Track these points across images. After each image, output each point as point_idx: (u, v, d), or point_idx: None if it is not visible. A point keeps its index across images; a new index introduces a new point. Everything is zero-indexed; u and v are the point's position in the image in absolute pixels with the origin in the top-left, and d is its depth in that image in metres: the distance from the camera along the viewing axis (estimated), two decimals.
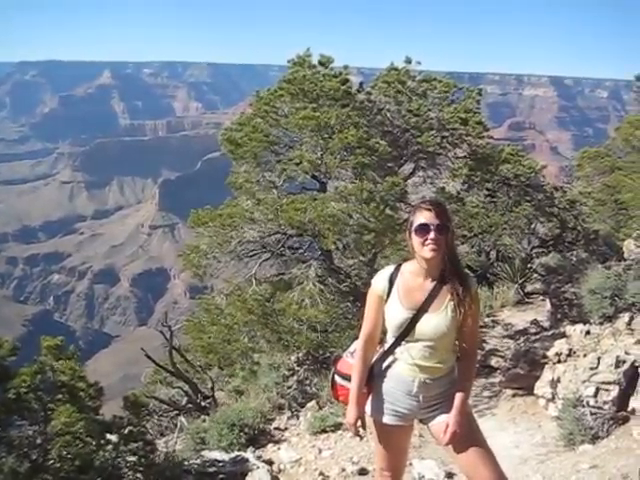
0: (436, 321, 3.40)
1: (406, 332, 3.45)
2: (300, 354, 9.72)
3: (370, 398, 3.64)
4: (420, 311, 3.42)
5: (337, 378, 3.83)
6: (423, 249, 3.35)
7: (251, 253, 9.47)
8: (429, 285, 3.45)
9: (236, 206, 9.29)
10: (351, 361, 3.73)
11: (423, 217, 3.36)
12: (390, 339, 3.55)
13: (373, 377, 3.63)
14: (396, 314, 3.46)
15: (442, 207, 3.46)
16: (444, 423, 3.47)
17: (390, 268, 3.60)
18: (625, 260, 11.10)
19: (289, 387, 9.38)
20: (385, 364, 3.58)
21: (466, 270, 3.65)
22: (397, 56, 10.14)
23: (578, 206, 14.61)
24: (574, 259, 14.42)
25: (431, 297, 3.43)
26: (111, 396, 10.79)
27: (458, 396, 3.47)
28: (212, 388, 11.12)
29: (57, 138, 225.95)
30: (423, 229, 3.34)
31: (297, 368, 9.72)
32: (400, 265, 3.58)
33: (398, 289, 3.48)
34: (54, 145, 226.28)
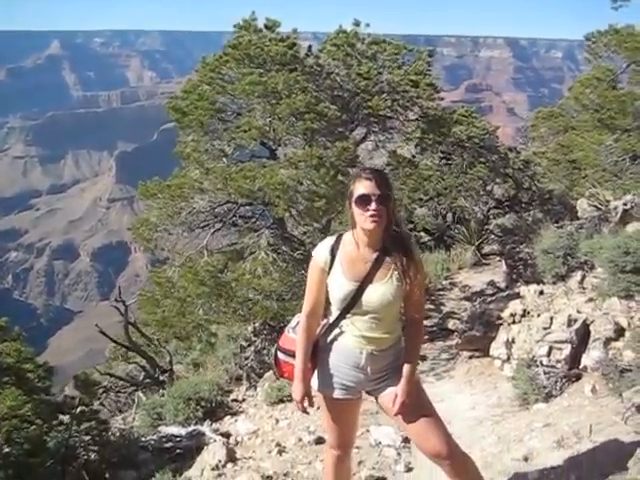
0: (381, 291, 3.30)
1: (351, 304, 3.34)
2: (257, 324, 9.64)
3: (316, 372, 3.55)
4: (364, 282, 3.31)
5: (280, 354, 3.72)
6: (365, 221, 3.23)
7: (202, 224, 9.27)
8: (372, 255, 3.34)
9: (185, 176, 9.06)
10: (293, 336, 3.64)
11: (363, 187, 3.23)
12: (335, 312, 3.45)
13: (318, 351, 3.53)
14: (340, 286, 3.34)
15: (383, 175, 3.34)
16: (393, 393, 3.40)
17: (331, 239, 3.47)
18: (579, 219, 11.20)
19: (246, 358, 9.31)
20: (330, 337, 3.48)
21: (409, 236, 3.55)
22: (357, 18, 9.96)
23: (532, 166, 14.73)
24: (530, 219, 14.53)
25: (375, 267, 3.32)
26: (77, 372, 10.68)
27: (406, 366, 3.40)
28: (170, 362, 11.04)
29: (7, 112, 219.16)
30: (364, 200, 3.21)
31: (254, 338, 9.64)
32: (341, 235, 3.46)
33: (341, 260, 3.37)
34: (4, 119, 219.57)
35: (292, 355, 3.57)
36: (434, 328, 9.66)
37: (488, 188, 14.74)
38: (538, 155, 16.03)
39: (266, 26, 9.15)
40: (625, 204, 9.45)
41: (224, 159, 8.97)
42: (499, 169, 13.20)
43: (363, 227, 3.27)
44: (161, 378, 10.58)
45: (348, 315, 3.38)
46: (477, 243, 12.84)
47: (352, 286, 3.31)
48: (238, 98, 8.85)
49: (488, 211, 15.23)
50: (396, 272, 3.30)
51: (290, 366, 3.60)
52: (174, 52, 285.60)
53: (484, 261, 12.78)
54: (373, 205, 3.19)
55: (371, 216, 3.20)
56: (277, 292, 8.70)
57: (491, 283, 11.05)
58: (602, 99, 13.15)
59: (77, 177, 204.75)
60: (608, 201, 10.27)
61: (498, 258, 12.56)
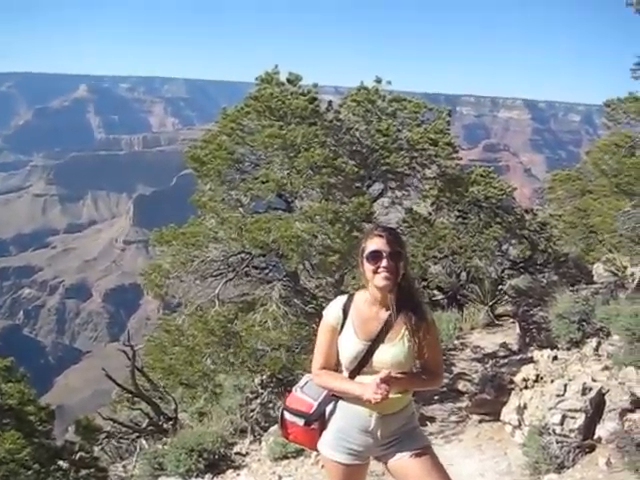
0: (393, 352, 3.25)
1: (362, 364, 3.28)
2: (264, 376, 9.50)
3: (323, 435, 3.44)
4: (376, 342, 3.26)
5: (286, 415, 3.55)
6: (375, 277, 3.21)
7: (215, 273, 9.23)
8: (384, 314, 3.29)
9: (200, 225, 9.08)
10: (301, 396, 3.52)
11: (375, 244, 3.23)
12: (344, 373, 3.36)
13: (325, 413, 3.43)
14: (351, 346, 3.29)
15: (394, 233, 3.35)
16: (403, 459, 3.31)
17: (343, 298, 3.43)
18: (594, 283, 11.09)
19: (252, 410, 9.16)
20: (338, 400, 3.38)
21: (420, 299, 3.50)
22: (378, 75, 10.07)
23: (549, 228, 14.66)
24: (545, 281, 14.40)
25: (387, 327, 3.27)
26: (83, 412, 10.54)
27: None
28: (175, 410, 10.86)
29: (31, 151, 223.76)
30: (375, 256, 3.20)
31: (261, 391, 9.50)
32: (353, 295, 3.43)
33: (352, 319, 3.32)
34: (28, 157, 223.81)
35: (299, 415, 3.46)
36: (444, 389, 9.47)
37: (503, 248, 14.65)
38: (555, 217, 15.98)
39: (288, 80, 9.26)
40: None
41: (240, 209, 8.97)
42: (515, 230, 13.16)
43: (374, 284, 3.24)
44: (165, 426, 10.40)
45: (358, 376, 3.30)
46: (491, 303, 12.69)
47: (363, 345, 3.26)
48: (257, 149, 8.92)
49: (503, 271, 15.07)
50: (407, 332, 3.25)
51: (296, 428, 3.49)
52: (198, 100, 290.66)
53: (497, 322, 12.61)
54: (384, 262, 3.18)
55: (382, 273, 3.19)
56: (286, 345, 8.60)
57: (503, 345, 10.88)
58: (620, 165, 13.12)
59: (95, 218, 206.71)
60: (625, 267, 10.18)
61: (511, 320, 12.40)
